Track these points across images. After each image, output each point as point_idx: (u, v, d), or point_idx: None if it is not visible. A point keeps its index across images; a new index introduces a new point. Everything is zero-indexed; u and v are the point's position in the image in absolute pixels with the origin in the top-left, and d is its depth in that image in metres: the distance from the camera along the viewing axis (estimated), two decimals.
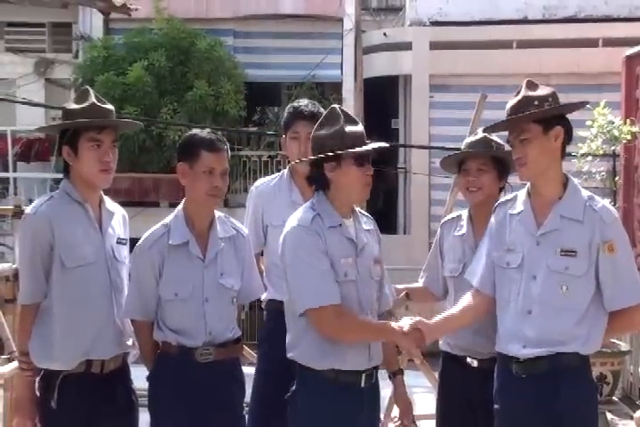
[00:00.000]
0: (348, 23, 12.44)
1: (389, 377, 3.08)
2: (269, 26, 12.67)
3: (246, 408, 3.28)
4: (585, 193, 2.90)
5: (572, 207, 2.85)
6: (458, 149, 3.55)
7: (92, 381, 2.98)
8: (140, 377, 3.14)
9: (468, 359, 3.25)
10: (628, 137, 6.46)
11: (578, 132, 5.87)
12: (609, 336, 2.99)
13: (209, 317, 3.01)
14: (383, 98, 12.34)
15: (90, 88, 3.14)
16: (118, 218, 3.18)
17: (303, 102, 3.65)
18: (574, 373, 2.81)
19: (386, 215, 12.41)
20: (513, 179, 3.23)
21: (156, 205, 11.55)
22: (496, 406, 2.92)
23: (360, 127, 2.89)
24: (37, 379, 2.99)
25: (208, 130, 3.13)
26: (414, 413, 3.11)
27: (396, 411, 3.16)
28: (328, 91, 12.68)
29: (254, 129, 12.13)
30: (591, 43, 11.12)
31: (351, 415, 2.81)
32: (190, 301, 3.00)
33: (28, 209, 3.08)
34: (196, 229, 3.07)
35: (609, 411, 5.85)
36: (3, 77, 13.28)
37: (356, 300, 2.82)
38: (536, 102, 2.83)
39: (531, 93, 2.86)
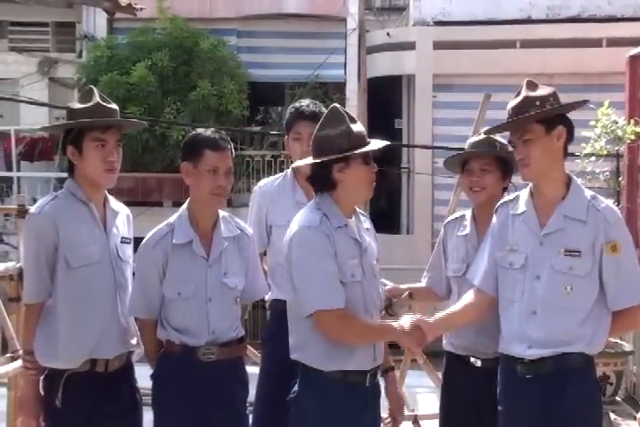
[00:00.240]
0: (352, 23, 12.45)
1: (381, 374, 3.07)
2: (273, 25, 12.69)
3: (250, 408, 3.28)
4: (588, 193, 2.90)
5: (576, 207, 2.84)
6: (461, 149, 3.55)
7: (96, 380, 2.98)
8: (144, 376, 3.15)
9: (472, 359, 3.25)
10: (632, 137, 6.44)
11: (581, 133, 5.90)
12: (611, 336, 2.99)
13: (212, 316, 3.02)
14: (386, 98, 12.34)
15: (94, 87, 3.13)
16: (122, 217, 3.18)
17: (305, 102, 3.65)
18: (579, 373, 2.81)
19: (389, 215, 12.42)
20: (516, 179, 3.23)
21: (160, 204, 11.57)
22: (500, 408, 2.92)
23: (361, 126, 2.88)
24: (42, 378, 3.00)
25: (212, 129, 3.14)
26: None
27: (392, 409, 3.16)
28: (331, 90, 12.69)
29: (257, 129, 12.14)
30: (595, 43, 11.12)
31: (357, 415, 2.81)
32: (193, 300, 3.01)
33: (32, 209, 3.08)
34: (200, 228, 3.07)
35: (612, 411, 5.84)
36: (7, 77, 13.30)
37: (362, 300, 2.82)
38: (538, 102, 2.83)
39: (531, 94, 2.86)
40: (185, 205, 3.11)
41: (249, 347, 4.10)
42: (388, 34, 12.33)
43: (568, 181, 2.90)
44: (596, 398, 2.91)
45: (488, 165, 3.30)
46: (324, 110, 3.28)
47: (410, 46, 11.92)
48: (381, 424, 3.04)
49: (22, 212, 4.28)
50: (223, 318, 3.05)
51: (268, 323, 3.77)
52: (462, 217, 3.43)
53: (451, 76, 11.67)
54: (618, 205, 5.67)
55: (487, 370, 3.11)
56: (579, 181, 2.95)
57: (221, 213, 3.15)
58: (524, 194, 2.98)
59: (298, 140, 3.58)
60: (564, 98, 2.92)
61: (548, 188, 2.89)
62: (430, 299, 3.61)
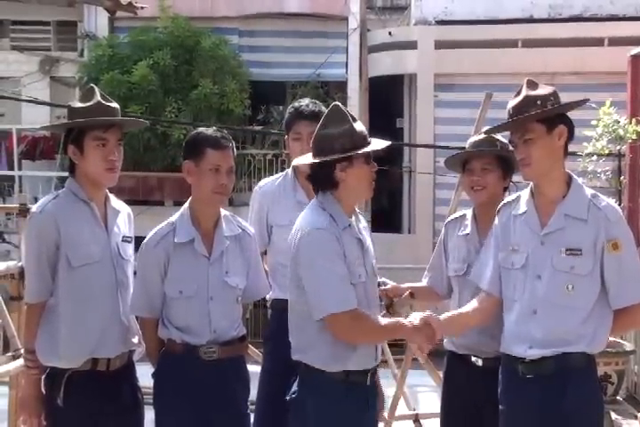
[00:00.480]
0: (353, 22, 12.43)
1: None
2: (274, 24, 12.67)
3: (252, 407, 3.28)
4: (589, 191, 2.89)
5: (576, 206, 2.84)
6: (462, 149, 3.55)
7: (97, 379, 2.98)
8: (145, 375, 3.15)
9: (473, 358, 3.25)
10: (634, 136, 6.44)
11: (583, 132, 5.89)
12: (612, 334, 2.99)
13: (213, 315, 3.02)
14: (388, 97, 12.33)
15: (95, 86, 3.13)
16: (123, 216, 3.19)
17: (304, 102, 3.64)
18: (580, 373, 2.81)
19: (390, 215, 12.41)
20: (517, 178, 3.23)
21: (161, 203, 11.57)
22: (501, 407, 2.92)
23: (362, 125, 2.88)
24: (43, 377, 3.00)
25: (214, 128, 3.13)
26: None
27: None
28: (333, 90, 12.67)
29: (259, 128, 12.13)
30: (597, 42, 11.09)
31: (359, 414, 2.81)
32: (195, 299, 3.01)
33: (33, 208, 3.08)
34: (202, 227, 3.07)
35: (613, 411, 5.85)
36: (8, 76, 13.30)
37: (365, 300, 2.82)
38: (538, 102, 2.82)
39: (532, 93, 2.85)
40: (186, 204, 3.12)
41: (250, 346, 4.10)
42: (389, 33, 12.31)
43: (569, 180, 2.90)
44: (598, 397, 2.90)
45: (489, 165, 3.30)
46: (324, 110, 3.27)
47: (411, 46, 11.90)
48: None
49: (24, 211, 4.28)
50: (224, 317, 3.05)
51: (270, 322, 3.78)
52: (463, 217, 3.43)
53: (452, 76, 11.65)
54: (619, 205, 5.66)
55: (488, 369, 3.11)
56: (580, 180, 2.95)
57: (223, 212, 3.15)
58: (524, 194, 2.98)
59: (298, 140, 3.57)
60: (566, 97, 2.91)
61: (548, 187, 2.89)
62: (431, 298, 3.61)
